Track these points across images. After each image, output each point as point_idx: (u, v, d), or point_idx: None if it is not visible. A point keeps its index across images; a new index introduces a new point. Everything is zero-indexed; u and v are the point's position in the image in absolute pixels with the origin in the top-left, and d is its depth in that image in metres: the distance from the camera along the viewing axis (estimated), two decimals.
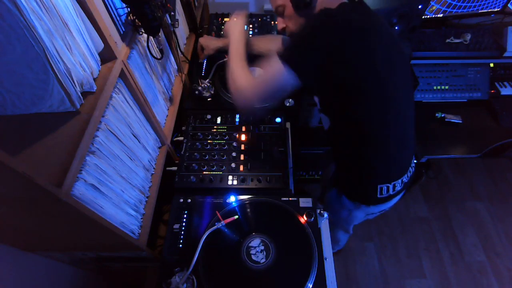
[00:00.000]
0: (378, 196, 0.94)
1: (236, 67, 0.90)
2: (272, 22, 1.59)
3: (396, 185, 0.93)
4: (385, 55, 0.79)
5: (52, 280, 1.02)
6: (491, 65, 1.50)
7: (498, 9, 1.52)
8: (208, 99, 1.25)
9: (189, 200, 0.98)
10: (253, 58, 1.39)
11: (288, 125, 1.21)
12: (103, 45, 0.70)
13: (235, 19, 1.02)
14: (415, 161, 1.01)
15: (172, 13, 1.03)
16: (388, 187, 0.93)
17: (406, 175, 0.95)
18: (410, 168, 0.96)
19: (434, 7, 1.47)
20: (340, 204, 1.05)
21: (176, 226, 0.93)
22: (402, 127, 0.88)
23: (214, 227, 0.89)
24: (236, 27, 1.00)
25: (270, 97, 0.84)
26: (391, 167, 0.92)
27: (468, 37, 1.48)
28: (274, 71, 0.77)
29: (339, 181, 1.04)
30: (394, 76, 0.82)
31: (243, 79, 0.86)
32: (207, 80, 1.27)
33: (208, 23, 1.61)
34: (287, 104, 1.24)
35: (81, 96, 0.65)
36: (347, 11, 0.79)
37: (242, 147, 1.11)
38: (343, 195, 1.02)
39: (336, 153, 1.00)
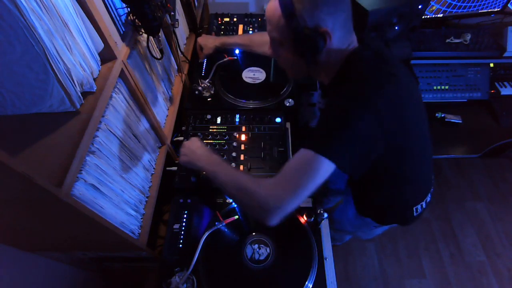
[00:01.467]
0: (414, 215, 0.94)
1: (241, 183, 0.70)
2: None
3: (427, 200, 0.95)
4: (413, 98, 0.75)
5: (52, 280, 1.02)
6: (491, 65, 1.50)
7: (498, 9, 1.52)
8: (208, 99, 1.25)
9: (189, 200, 0.98)
10: (253, 59, 1.40)
11: (288, 125, 1.21)
12: (103, 45, 0.70)
13: (187, 144, 0.88)
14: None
15: (172, 13, 1.02)
16: (421, 205, 0.94)
17: (430, 192, 0.97)
18: (431, 184, 0.98)
19: (434, 7, 1.47)
20: (363, 221, 1.05)
21: (176, 226, 0.93)
22: (428, 154, 0.89)
23: (214, 227, 0.89)
24: (196, 150, 0.85)
25: (308, 192, 0.64)
26: (422, 188, 0.93)
27: (468, 37, 1.48)
28: (313, 167, 0.63)
29: (365, 205, 1.01)
30: (422, 118, 0.80)
31: (261, 186, 0.67)
32: (207, 80, 1.27)
33: (208, 23, 1.61)
34: (287, 104, 1.24)
35: (81, 96, 0.65)
36: (377, 61, 0.69)
37: (242, 147, 1.11)
38: (368, 218, 1.01)
39: (360, 185, 0.94)
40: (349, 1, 0.69)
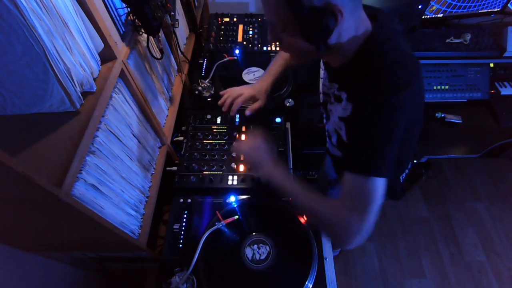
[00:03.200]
0: (401, 182, 0.96)
1: (318, 209, 0.68)
2: None
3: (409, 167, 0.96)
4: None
5: (52, 280, 1.02)
6: (491, 65, 1.50)
7: (498, 9, 1.52)
8: (208, 99, 1.25)
9: (189, 200, 0.98)
10: (253, 59, 1.40)
11: (288, 125, 1.21)
12: (103, 45, 0.70)
13: (252, 142, 0.83)
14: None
15: (172, 13, 1.02)
16: (405, 173, 0.96)
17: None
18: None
19: (434, 7, 1.47)
20: None
21: (176, 226, 0.93)
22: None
23: (214, 227, 0.89)
24: (267, 160, 0.81)
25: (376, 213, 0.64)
26: (409, 160, 0.94)
27: (468, 37, 1.48)
28: (374, 189, 0.61)
29: None
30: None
31: (341, 214, 0.64)
32: (207, 80, 1.27)
33: (208, 23, 1.61)
34: (287, 104, 1.24)
35: (81, 96, 0.65)
36: (400, 52, 0.63)
37: None
38: None
39: None
40: None
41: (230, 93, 1.06)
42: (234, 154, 1.07)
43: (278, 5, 0.57)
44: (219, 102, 1.09)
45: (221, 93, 1.10)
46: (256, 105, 1.03)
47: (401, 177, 0.95)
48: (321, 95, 0.90)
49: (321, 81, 0.90)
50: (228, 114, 1.08)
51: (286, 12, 0.57)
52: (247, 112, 1.02)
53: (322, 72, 0.89)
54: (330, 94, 0.79)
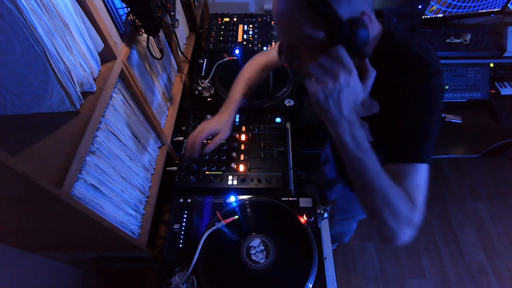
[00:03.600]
0: None
1: (388, 192, 0.57)
2: (272, 22, 1.59)
3: None
4: None
5: (52, 280, 1.02)
6: (491, 65, 1.50)
7: (498, 9, 1.52)
8: (208, 99, 1.25)
9: (189, 200, 0.98)
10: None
11: (288, 125, 1.21)
12: (103, 45, 0.70)
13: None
14: None
15: (172, 13, 1.02)
16: None
17: None
18: None
19: (434, 7, 1.47)
20: None
21: (176, 226, 0.93)
22: None
23: (214, 227, 0.89)
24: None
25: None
26: None
27: (468, 37, 1.48)
28: (425, 177, 0.60)
29: None
30: None
31: (410, 209, 0.58)
32: (207, 80, 1.27)
33: (208, 23, 1.61)
34: (287, 104, 1.24)
35: (81, 96, 0.65)
36: (419, 38, 0.64)
37: (242, 147, 1.11)
38: None
39: None
40: None
41: (190, 139, 0.91)
42: (234, 154, 1.07)
43: (307, 24, 0.53)
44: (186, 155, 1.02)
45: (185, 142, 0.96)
46: (217, 139, 0.90)
47: None
48: None
49: None
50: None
51: (317, 30, 0.53)
52: (207, 150, 0.90)
53: None
54: None
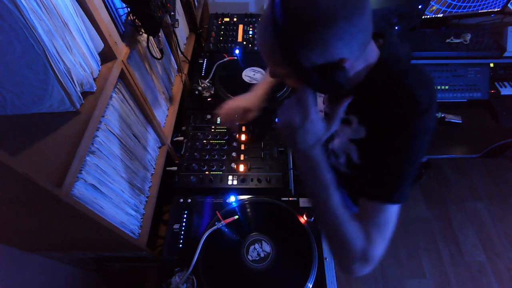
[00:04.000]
0: None
1: (342, 224, 0.59)
2: None
3: None
4: None
5: (52, 280, 1.02)
6: (491, 65, 1.50)
7: (498, 9, 1.52)
8: (208, 99, 1.25)
9: (189, 200, 0.98)
10: (253, 59, 1.40)
11: None
12: (103, 45, 0.70)
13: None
14: None
15: (172, 13, 1.02)
16: None
17: None
18: None
19: (434, 7, 1.47)
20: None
21: (176, 226, 0.93)
22: None
23: (214, 227, 0.89)
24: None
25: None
26: None
27: (468, 37, 1.48)
28: (392, 216, 0.60)
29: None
30: None
31: (363, 245, 0.58)
32: (207, 80, 1.27)
33: (208, 23, 1.61)
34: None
35: (81, 96, 0.65)
36: (415, 74, 0.59)
37: (242, 147, 1.11)
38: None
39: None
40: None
41: (225, 111, 0.99)
42: (234, 154, 1.07)
43: (280, 61, 0.54)
44: (221, 125, 1.14)
45: (217, 112, 1.03)
46: (249, 116, 0.98)
47: None
48: (321, 113, 0.85)
49: (319, 99, 0.84)
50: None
51: (289, 68, 0.54)
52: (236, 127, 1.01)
53: None
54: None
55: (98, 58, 0.70)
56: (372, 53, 0.61)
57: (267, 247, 0.88)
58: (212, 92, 1.26)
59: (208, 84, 1.26)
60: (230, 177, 1.03)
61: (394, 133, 0.58)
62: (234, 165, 1.04)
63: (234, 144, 1.11)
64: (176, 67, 1.25)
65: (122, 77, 0.79)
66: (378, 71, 0.61)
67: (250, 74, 1.33)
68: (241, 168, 1.05)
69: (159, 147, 1.09)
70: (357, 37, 0.51)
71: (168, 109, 1.18)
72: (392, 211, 0.59)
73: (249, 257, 0.87)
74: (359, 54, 0.56)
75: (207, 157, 1.07)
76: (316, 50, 0.50)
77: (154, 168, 1.03)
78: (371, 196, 0.60)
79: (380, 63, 0.61)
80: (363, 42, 0.55)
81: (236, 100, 0.99)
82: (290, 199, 0.97)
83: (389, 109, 0.59)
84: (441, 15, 1.50)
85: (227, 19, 1.60)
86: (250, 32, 1.54)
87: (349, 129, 0.71)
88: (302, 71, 0.52)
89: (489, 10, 1.52)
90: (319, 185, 0.59)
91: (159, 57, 0.98)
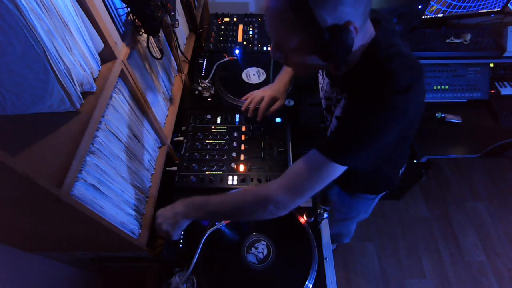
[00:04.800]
0: (400, 175, 1.02)
1: (241, 199, 0.74)
2: None
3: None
4: None
5: (52, 280, 1.02)
6: (491, 65, 1.50)
7: (498, 9, 1.52)
8: (208, 99, 1.25)
9: None
10: (253, 59, 1.40)
11: (288, 125, 1.21)
12: (103, 45, 0.70)
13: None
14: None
15: (172, 13, 1.02)
16: (404, 166, 1.02)
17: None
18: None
19: (434, 7, 1.47)
20: (360, 197, 1.12)
21: None
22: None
23: (214, 227, 0.89)
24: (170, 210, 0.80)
25: (314, 193, 0.67)
26: (407, 153, 0.98)
27: (468, 37, 1.48)
28: (322, 172, 0.63)
29: (357, 184, 1.03)
30: None
31: (266, 187, 0.69)
32: (207, 80, 1.27)
33: (208, 23, 1.61)
34: (287, 104, 1.23)
35: (81, 96, 0.65)
36: (402, 57, 0.61)
37: (242, 147, 1.11)
38: (363, 194, 1.09)
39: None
40: None
41: (252, 98, 1.08)
42: (234, 154, 1.07)
43: (291, 25, 0.55)
44: (243, 108, 1.11)
45: (243, 98, 1.12)
46: (276, 105, 1.06)
47: (400, 172, 1.00)
48: (323, 101, 0.89)
49: (320, 86, 0.89)
50: (228, 114, 1.11)
51: (300, 32, 0.56)
52: (269, 114, 1.06)
53: (320, 78, 0.88)
54: (332, 98, 0.78)
55: (98, 58, 0.70)
56: (367, 34, 0.63)
57: (267, 247, 0.88)
58: (212, 92, 1.26)
59: (208, 84, 1.26)
60: (230, 177, 1.03)
61: (364, 103, 0.60)
62: (234, 165, 1.04)
63: (234, 144, 1.11)
64: (176, 67, 1.25)
65: (122, 77, 0.79)
66: (370, 54, 0.63)
67: (250, 74, 1.33)
68: (241, 168, 1.05)
69: (159, 147, 1.09)
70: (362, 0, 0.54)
71: (168, 109, 1.18)
72: (325, 167, 0.62)
73: (249, 257, 0.87)
74: (361, 24, 0.57)
75: (207, 157, 1.07)
76: (328, 6, 0.51)
77: (154, 168, 1.03)
78: (320, 148, 0.63)
79: (373, 46, 0.63)
80: (365, 11, 0.57)
81: (262, 90, 1.06)
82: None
83: (368, 87, 0.61)
84: (441, 15, 1.50)
85: (227, 19, 1.60)
86: (250, 32, 1.54)
87: (339, 107, 0.73)
88: (315, 31, 0.54)
89: (489, 10, 1.52)
90: (213, 217, 0.87)
91: (159, 57, 0.98)
